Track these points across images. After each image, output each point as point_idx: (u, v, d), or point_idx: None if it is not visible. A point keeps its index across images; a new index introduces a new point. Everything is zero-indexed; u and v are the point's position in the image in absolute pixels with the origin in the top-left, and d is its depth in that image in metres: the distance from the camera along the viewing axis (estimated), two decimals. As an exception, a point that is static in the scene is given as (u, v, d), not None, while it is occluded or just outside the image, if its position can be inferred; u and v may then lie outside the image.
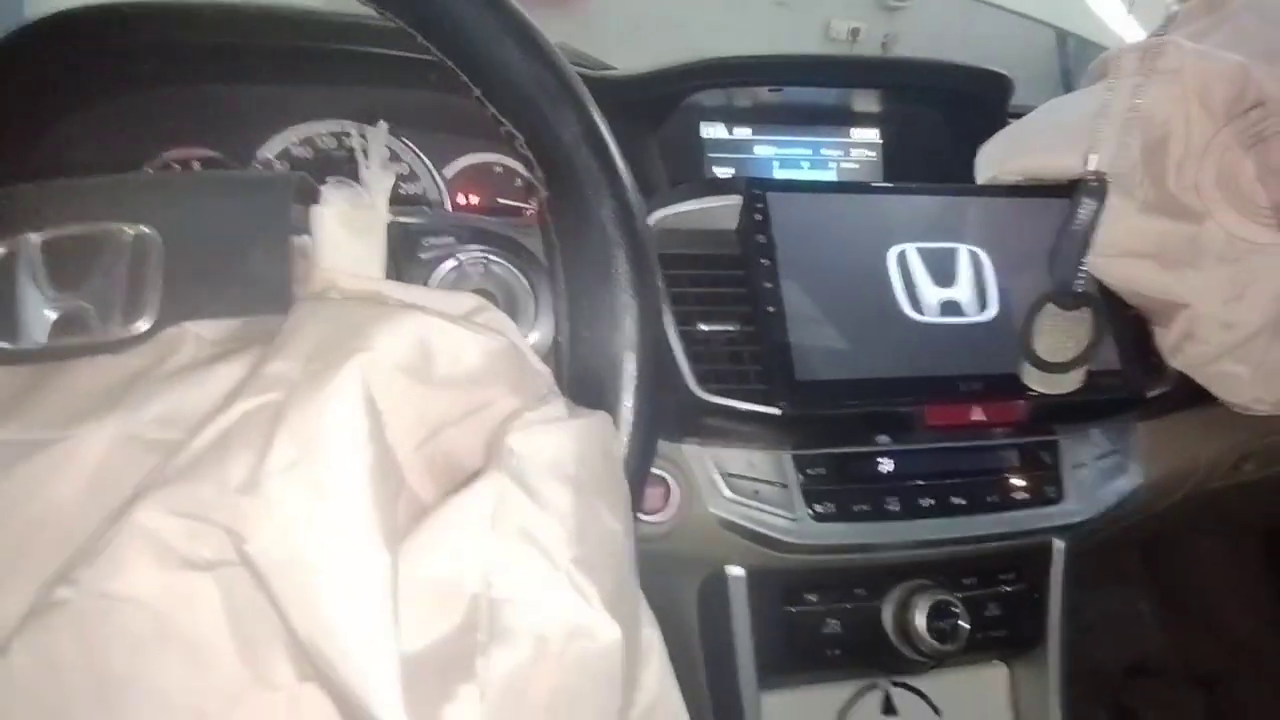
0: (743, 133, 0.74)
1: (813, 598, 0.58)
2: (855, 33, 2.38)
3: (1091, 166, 0.46)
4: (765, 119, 0.73)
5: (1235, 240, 0.52)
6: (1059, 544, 0.61)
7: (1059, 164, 0.54)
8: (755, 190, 0.54)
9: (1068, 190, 0.53)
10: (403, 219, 0.34)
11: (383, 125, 0.32)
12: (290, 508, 0.20)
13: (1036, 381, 0.48)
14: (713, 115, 0.73)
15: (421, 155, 0.63)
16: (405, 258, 0.34)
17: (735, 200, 0.54)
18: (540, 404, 0.30)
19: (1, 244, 0.27)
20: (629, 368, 0.33)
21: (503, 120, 0.33)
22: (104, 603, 0.20)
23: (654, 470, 0.54)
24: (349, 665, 0.20)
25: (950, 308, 0.54)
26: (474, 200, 0.65)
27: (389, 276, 0.33)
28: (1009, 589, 0.61)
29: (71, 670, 0.19)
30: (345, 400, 0.22)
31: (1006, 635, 0.61)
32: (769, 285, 0.52)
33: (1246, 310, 0.51)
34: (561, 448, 0.28)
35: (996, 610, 0.61)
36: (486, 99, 0.33)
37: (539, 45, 0.33)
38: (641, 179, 0.67)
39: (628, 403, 0.33)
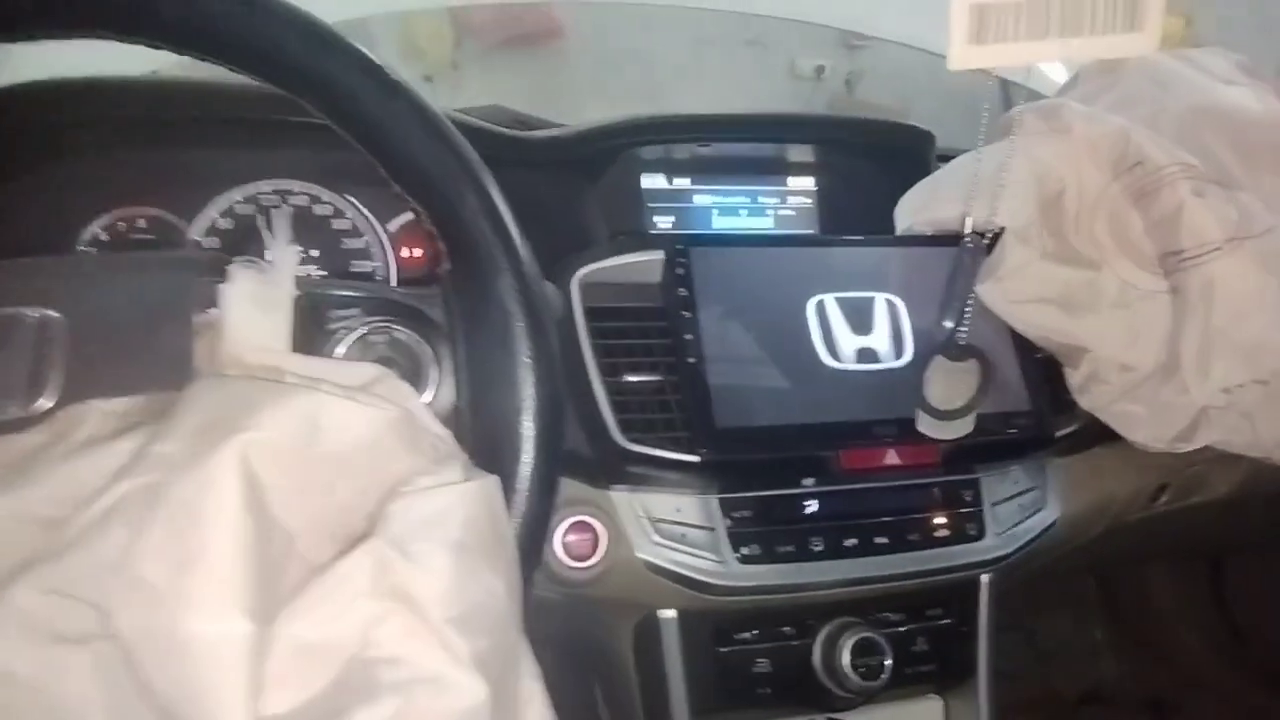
0: (682, 183, 0.77)
1: (743, 638, 0.59)
2: (820, 70, 2.45)
3: (968, 227, 0.48)
4: (704, 169, 0.76)
5: (1128, 287, 0.55)
6: (985, 578, 0.63)
7: (962, 216, 0.57)
8: (678, 245, 0.57)
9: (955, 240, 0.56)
10: (310, 292, 0.36)
11: (286, 209, 0.34)
12: (158, 583, 0.22)
13: (929, 428, 0.51)
14: (653, 167, 0.75)
15: (365, 211, 0.65)
16: (313, 329, 0.36)
17: (659, 255, 0.57)
18: (434, 468, 0.32)
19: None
20: (525, 431, 0.35)
21: (407, 196, 0.36)
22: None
23: (582, 518, 0.56)
24: (209, 731, 0.21)
25: (867, 355, 0.57)
26: (416, 253, 0.67)
27: (297, 349, 0.35)
28: (936, 624, 0.63)
29: (-51, 741, 0.21)
30: (221, 479, 0.24)
31: (935, 669, 0.63)
32: (689, 337, 0.54)
33: (1140, 354, 0.54)
34: (445, 511, 0.29)
35: (925, 645, 0.62)
36: (393, 178, 0.36)
37: (440, 129, 0.36)
38: (581, 231, 0.70)
39: (524, 464, 0.35)
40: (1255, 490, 0.73)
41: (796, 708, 0.61)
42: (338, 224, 0.65)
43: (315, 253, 0.62)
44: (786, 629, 0.60)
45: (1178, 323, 0.52)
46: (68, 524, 0.24)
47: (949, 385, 0.49)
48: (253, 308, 0.34)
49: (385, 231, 0.66)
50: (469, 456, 0.35)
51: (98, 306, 0.31)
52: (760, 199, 0.79)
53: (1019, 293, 0.57)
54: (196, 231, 0.60)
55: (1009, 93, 1.09)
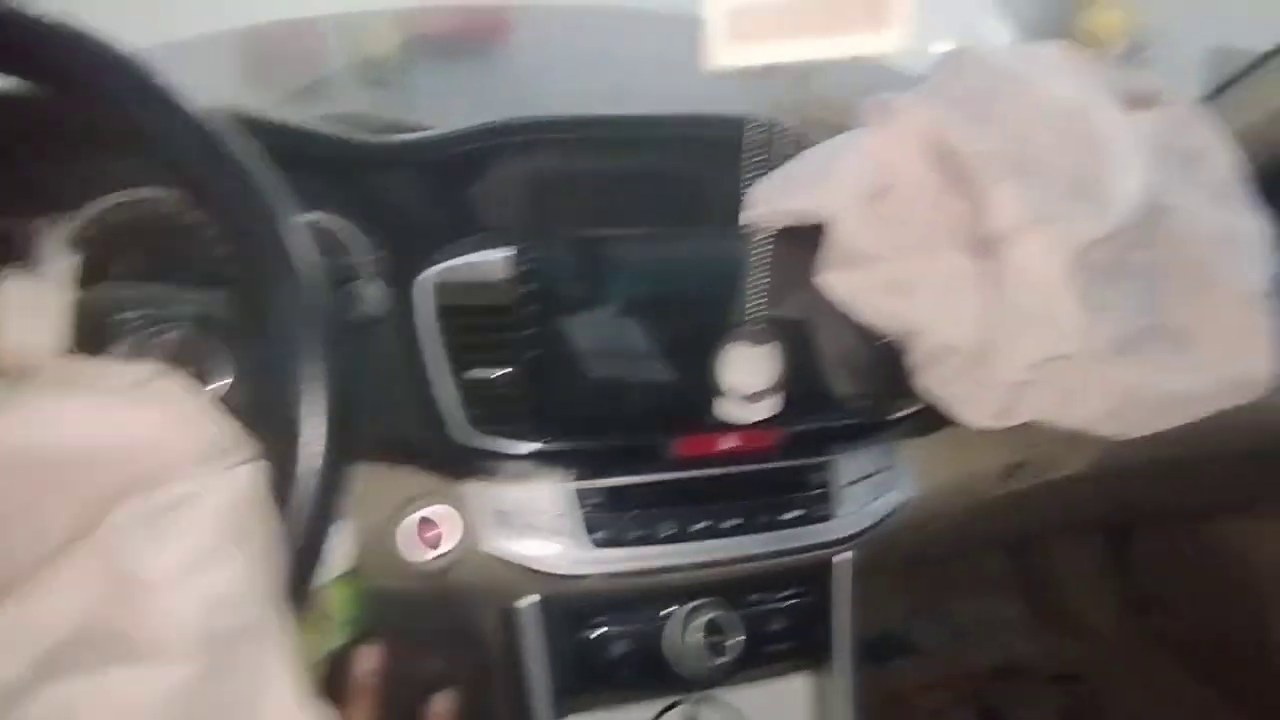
0: (550, 181, 0.77)
1: (601, 621, 0.61)
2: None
3: (752, 218, 0.50)
4: (571, 168, 0.77)
5: (953, 272, 0.57)
6: (841, 558, 0.66)
7: (802, 206, 0.59)
8: (526, 243, 0.58)
9: (807, 231, 0.58)
10: (94, 294, 0.37)
11: (61, 220, 0.35)
12: None
13: (729, 411, 0.53)
14: (520, 166, 0.76)
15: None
16: (94, 332, 0.37)
17: (509, 252, 0.58)
18: (203, 460, 0.33)
19: None
20: (306, 425, 0.37)
21: (195, 204, 0.37)
22: None
23: (434, 509, 0.58)
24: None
25: (705, 344, 0.58)
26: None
27: (82, 350, 0.37)
28: (793, 603, 0.65)
29: None
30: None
31: (793, 647, 0.65)
32: (534, 332, 0.56)
33: (964, 335, 0.56)
34: (190, 499, 0.31)
35: (780, 624, 0.64)
36: (178, 186, 0.37)
37: (209, 139, 0.37)
38: (452, 230, 0.70)
39: (305, 457, 0.37)
40: (1119, 464, 0.76)
41: (658, 689, 0.63)
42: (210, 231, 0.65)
43: (180, 258, 0.63)
44: (643, 612, 0.62)
45: (990, 304, 0.54)
46: None
47: (748, 369, 0.51)
48: (21, 313, 0.35)
49: None
50: (258, 449, 0.36)
51: None
52: (623, 197, 0.79)
53: (855, 281, 0.59)
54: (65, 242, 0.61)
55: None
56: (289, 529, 0.36)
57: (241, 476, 0.33)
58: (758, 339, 0.51)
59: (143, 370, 0.36)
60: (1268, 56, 0.81)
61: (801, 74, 0.53)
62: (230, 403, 0.40)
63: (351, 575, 0.50)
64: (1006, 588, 1.27)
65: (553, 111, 0.72)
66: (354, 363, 0.56)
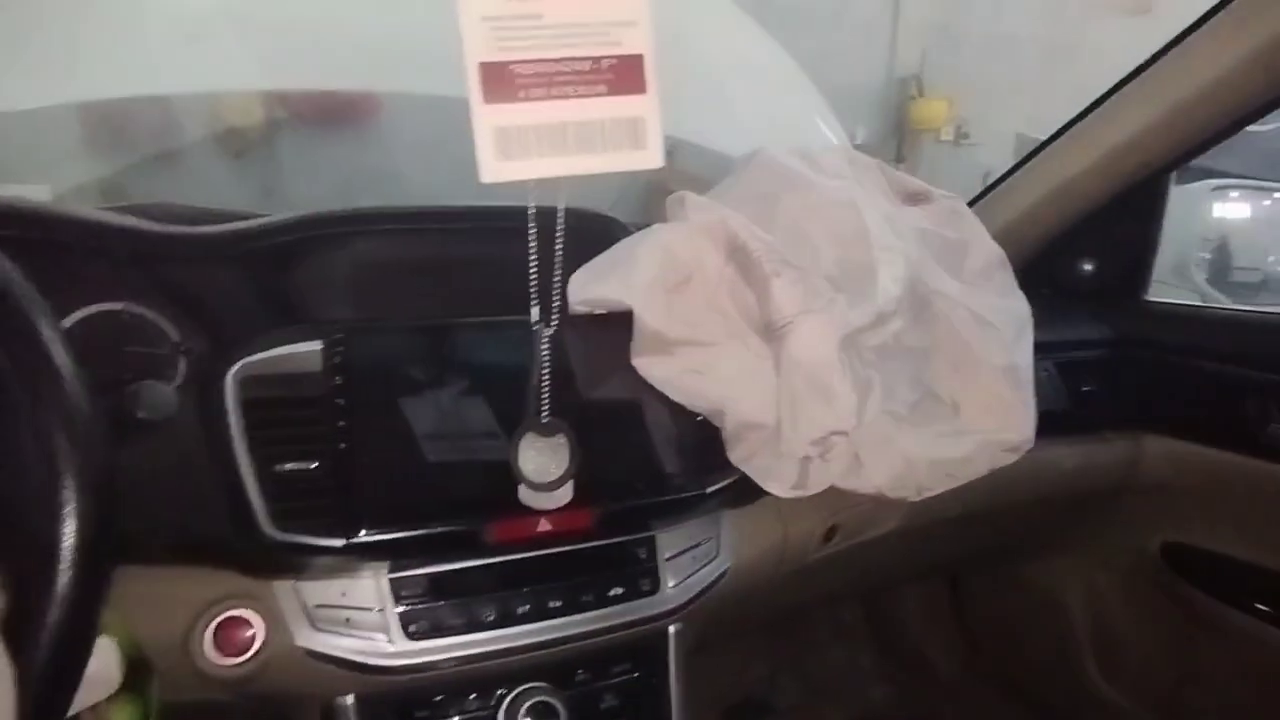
0: (367, 273, 0.76)
1: (424, 715, 0.60)
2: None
3: (535, 315, 0.53)
4: (388, 259, 0.76)
5: (751, 355, 0.62)
6: (672, 629, 0.68)
7: (610, 295, 0.63)
8: (335, 334, 0.58)
9: (621, 318, 0.61)
10: None
11: None
12: None
13: (529, 499, 0.55)
14: (336, 259, 0.75)
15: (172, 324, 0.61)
16: None
17: (317, 345, 0.58)
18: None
19: None
20: (61, 541, 0.35)
21: None
22: None
23: (237, 611, 0.56)
24: None
25: (506, 431, 0.60)
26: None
27: None
28: (624, 679, 0.66)
29: None
30: None
31: (627, 723, 0.65)
32: (342, 423, 0.56)
33: (761, 412, 0.61)
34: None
35: (614, 701, 0.65)
36: None
37: None
38: (263, 322, 0.68)
39: (54, 582, 0.35)
40: (924, 522, 0.83)
41: (486, 780, 0.62)
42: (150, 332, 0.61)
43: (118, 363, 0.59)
44: (471, 701, 0.61)
45: (779, 384, 0.60)
46: None
47: (541, 458, 0.54)
48: None
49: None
50: (5, 567, 0.35)
51: None
52: (437, 287, 0.78)
53: (664, 365, 0.62)
54: None
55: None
56: (36, 655, 0.34)
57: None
58: (547, 430, 0.54)
59: None
60: (1026, 158, 0.94)
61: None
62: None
63: (135, 693, 0.48)
64: (860, 636, 1.32)
65: (417, 191, 0.73)
66: (146, 462, 0.54)
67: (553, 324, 0.53)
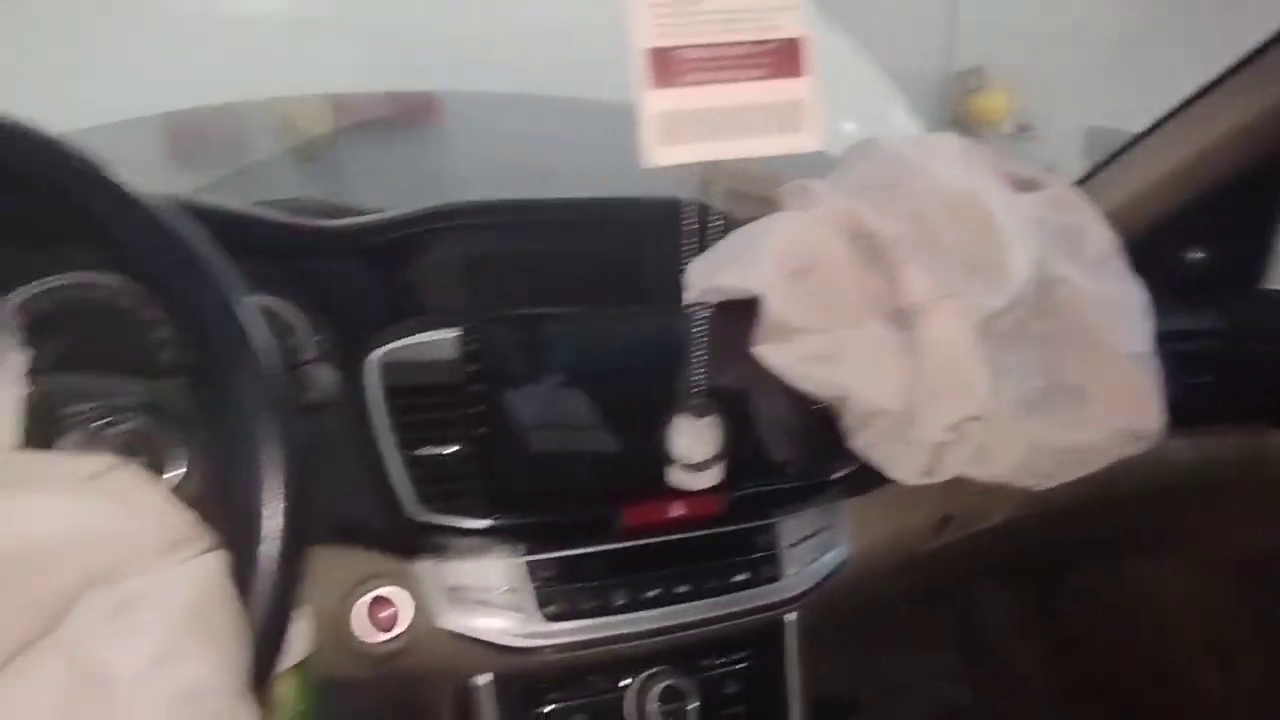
0: (490, 263, 0.79)
1: (557, 696, 0.61)
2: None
3: (697, 296, 0.54)
4: (510, 248, 0.79)
5: (876, 341, 0.62)
6: (790, 618, 0.68)
7: (734, 283, 0.63)
8: (472, 323, 0.60)
9: (741, 306, 0.62)
10: (48, 389, 0.38)
11: (10, 303, 0.36)
12: None
13: (679, 480, 0.55)
14: (461, 249, 0.78)
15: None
16: (48, 424, 0.37)
17: (455, 333, 0.60)
18: (162, 552, 0.34)
19: None
20: (265, 513, 0.37)
21: (148, 296, 0.38)
22: None
23: (384, 590, 0.58)
24: None
25: (651, 418, 0.61)
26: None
27: (32, 443, 0.37)
28: (745, 666, 0.66)
29: None
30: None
31: (747, 710, 0.66)
32: (481, 409, 0.57)
33: (889, 399, 0.61)
34: (149, 594, 0.31)
35: (735, 688, 0.66)
36: (134, 280, 0.38)
37: (168, 234, 0.38)
38: (395, 312, 0.71)
39: (264, 545, 0.37)
40: (1035, 513, 0.82)
41: (617, 761, 0.63)
42: (145, 314, 0.65)
43: (115, 344, 0.63)
44: (599, 684, 0.62)
45: (911, 370, 0.59)
46: None
47: (694, 439, 0.54)
48: (-27, 410, 0.35)
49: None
50: (216, 538, 0.37)
51: None
52: (560, 278, 0.81)
53: (788, 352, 0.63)
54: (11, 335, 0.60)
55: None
56: (251, 619, 0.36)
57: (203, 567, 0.34)
58: (700, 411, 0.54)
59: (98, 462, 0.36)
60: (1133, 141, 0.92)
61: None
62: (185, 493, 0.40)
63: (300, 664, 0.50)
64: (940, 639, 1.30)
65: (480, 193, 0.76)
66: (309, 447, 0.56)
67: (710, 307, 0.54)
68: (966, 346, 0.57)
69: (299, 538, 0.38)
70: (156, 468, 0.39)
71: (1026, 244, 0.62)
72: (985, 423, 0.59)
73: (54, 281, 0.63)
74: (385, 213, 0.72)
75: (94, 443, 0.38)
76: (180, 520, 0.36)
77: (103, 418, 0.38)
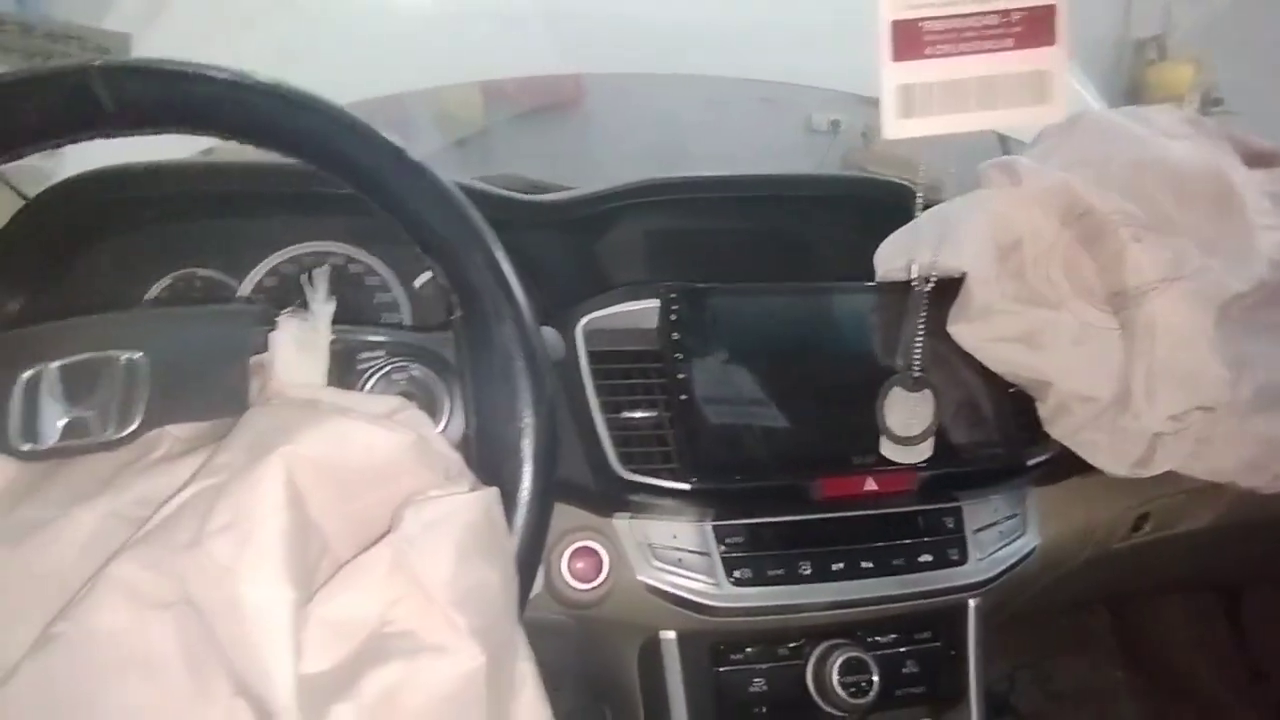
0: (681, 237, 0.83)
1: (739, 658, 0.63)
2: (836, 124, 2.54)
3: (914, 272, 0.54)
4: (701, 223, 0.82)
5: (1084, 325, 0.60)
6: (972, 603, 0.67)
7: (935, 261, 0.63)
8: (672, 294, 0.63)
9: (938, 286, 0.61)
10: (344, 337, 0.43)
11: (326, 268, 0.41)
12: (221, 558, 0.28)
13: (891, 452, 0.55)
14: (654, 223, 0.82)
15: (390, 269, 0.73)
16: (345, 368, 0.43)
17: (655, 303, 0.63)
18: (444, 484, 0.38)
19: (29, 370, 0.36)
20: (524, 455, 0.41)
21: (425, 255, 0.43)
22: (87, 634, 0.27)
23: (587, 543, 0.61)
24: (261, 681, 0.27)
25: (840, 390, 0.61)
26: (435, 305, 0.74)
27: (332, 384, 0.42)
28: (926, 646, 0.66)
29: (62, 686, 0.27)
30: (269, 480, 0.30)
31: (926, 691, 0.65)
32: (682, 377, 0.60)
33: (1098, 385, 0.59)
34: (449, 516, 0.35)
35: (914, 667, 0.65)
36: (412, 239, 0.43)
37: (450, 199, 0.43)
38: (591, 282, 0.76)
39: (523, 483, 0.41)
40: (1245, 520, 0.76)
41: (792, 726, 0.65)
42: (370, 280, 0.73)
43: (349, 304, 0.70)
44: (780, 650, 0.64)
45: (1128, 356, 0.57)
46: (152, 518, 0.30)
47: (906, 413, 0.54)
48: (296, 351, 0.40)
49: (409, 287, 0.74)
50: (476, 476, 0.41)
51: (173, 350, 0.37)
52: (753, 250, 0.84)
53: (986, 332, 0.62)
54: (246, 289, 0.69)
55: (1007, 146, 1.16)
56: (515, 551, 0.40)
57: (486, 499, 0.37)
58: (914, 386, 0.55)
59: (390, 402, 0.41)
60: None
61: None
62: (450, 436, 0.45)
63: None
64: (1108, 648, 1.23)
65: (622, 171, 0.79)
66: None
67: (930, 283, 0.54)
68: (1200, 331, 0.54)
69: (551, 481, 0.42)
70: (430, 412, 0.43)
71: (1274, 223, 0.58)
72: (1212, 416, 0.56)
73: (299, 249, 0.71)
74: (590, 189, 0.76)
75: (384, 387, 0.43)
76: (455, 458, 0.41)
77: (389, 365, 0.43)
